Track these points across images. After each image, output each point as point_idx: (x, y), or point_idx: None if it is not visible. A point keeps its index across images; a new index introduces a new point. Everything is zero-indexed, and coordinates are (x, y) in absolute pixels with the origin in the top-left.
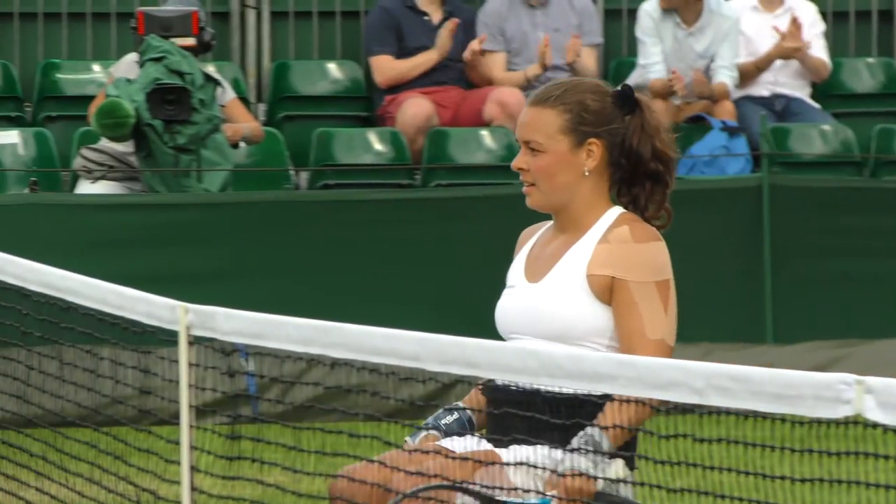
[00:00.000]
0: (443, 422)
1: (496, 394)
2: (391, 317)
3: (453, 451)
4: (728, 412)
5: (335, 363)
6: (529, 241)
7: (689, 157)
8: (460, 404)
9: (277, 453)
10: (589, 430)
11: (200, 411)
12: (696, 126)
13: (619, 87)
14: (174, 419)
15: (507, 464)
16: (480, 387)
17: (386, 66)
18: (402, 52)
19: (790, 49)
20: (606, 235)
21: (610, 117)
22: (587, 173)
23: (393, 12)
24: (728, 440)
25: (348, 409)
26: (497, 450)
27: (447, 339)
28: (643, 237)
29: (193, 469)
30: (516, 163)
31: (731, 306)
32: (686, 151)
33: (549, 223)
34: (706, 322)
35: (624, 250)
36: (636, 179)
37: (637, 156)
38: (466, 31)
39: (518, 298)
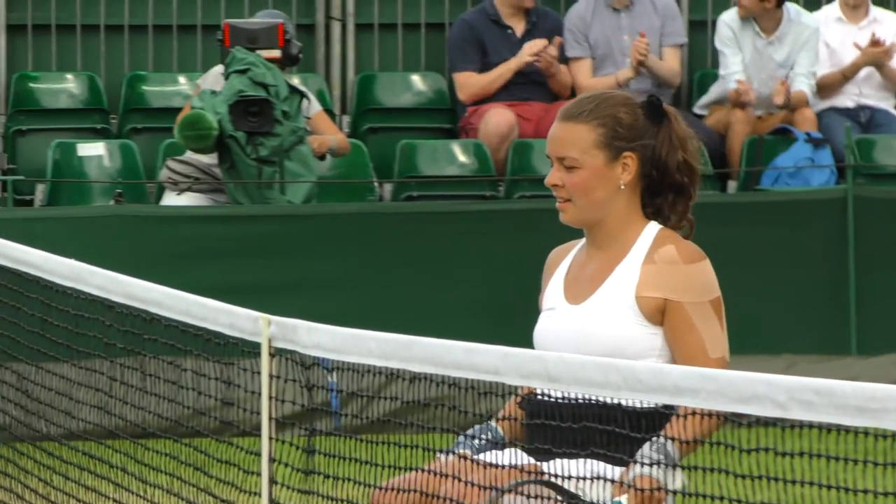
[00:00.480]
0: (475, 440)
1: (536, 406)
2: (474, 330)
3: (496, 463)
4: (811, 425)
5: (415, 377)
6: (563, 263)
7: (774, 169)
8: (492, 423)
9: (352, 468)
10: (661, 439)
11: (280, 423)
12: (781, 138)
13: (647, 98)
14: (255, 431)
15: (558, 476)
16: (519, 399)
17: (468, 83)
18: (486, 67)
19: (879, 53)
20: (651, 255)
21: (642, 130)
22: (622, 187)
23: (476, 26)
24: (810, 454)
25: (426, 423)
26: (539, 462)
27: (528, 354)
28: (691, 257)
29: (272, 481)
30: (551, 179)
31: (815, 318)
32: (770, 163)
33: (579, 243)
34: (790, 334)
35: (674, 272)
36: (660, 190)
37: (665, 167)
38: (551, 42)
39: (562, 321)
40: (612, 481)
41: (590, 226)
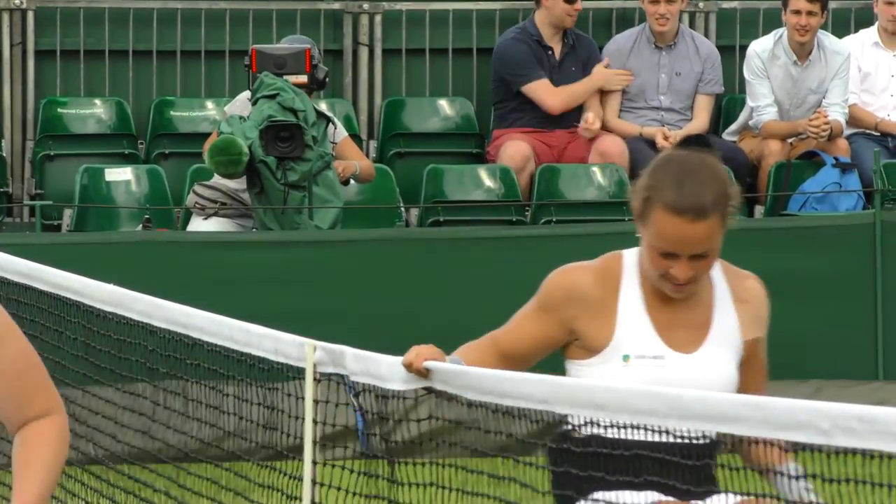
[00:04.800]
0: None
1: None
2: None
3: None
4: (854, 452)
5: (470, 404)
6: (623, 301)
7: (801, 194)
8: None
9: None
10: (800, 480)
11: (323, 446)
12: (809, 162)
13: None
14: (297, 454)
15: None
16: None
17: (550, 91)
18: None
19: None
20: (738, 293)
21: None
22: None
23: (521, 46)
24: (856, 480)
25: (477, 447)
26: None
27: (574, 382)
28: (763, 287)
29: None
30: (685, 274)
31: (842, 343)
32: (798, 188)
33: (623, 275)
34: (818, 359)
35: (762, 308)
36: None
37: None
38: (585, 66)
39: (677, 371)
40: None
41: None
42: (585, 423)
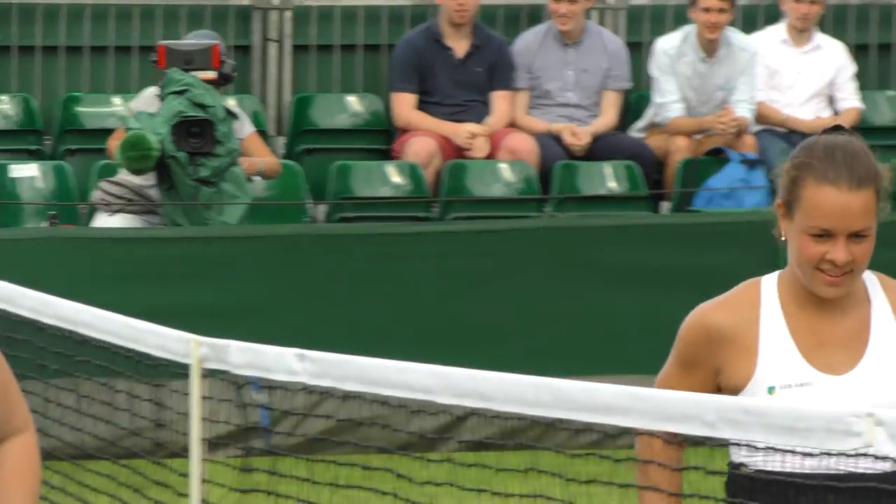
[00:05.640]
0: None
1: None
2: (410, 350)
3: None
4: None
5: (347, 396)
6: (763, 330)
7: (708, 190)
8: None
9: (291, 486)
10: None
11: (213, 444)
12: (716, 159)
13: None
14: (187, 452)
15: None
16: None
17: (405, 109)
18: (423, 89)
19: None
20: None
21: None
22: None
23: (418, 47)
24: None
25: (361, 442)
26: None
27: (460, 372)
28: None
29: (204, 503)
30: (846, 256)
31: None
32: (704, 184)
33: (760, 303)
34: None
35: None
36: None
37: None
38: (492, 67)
39: (829, 395)
40: None
41: None
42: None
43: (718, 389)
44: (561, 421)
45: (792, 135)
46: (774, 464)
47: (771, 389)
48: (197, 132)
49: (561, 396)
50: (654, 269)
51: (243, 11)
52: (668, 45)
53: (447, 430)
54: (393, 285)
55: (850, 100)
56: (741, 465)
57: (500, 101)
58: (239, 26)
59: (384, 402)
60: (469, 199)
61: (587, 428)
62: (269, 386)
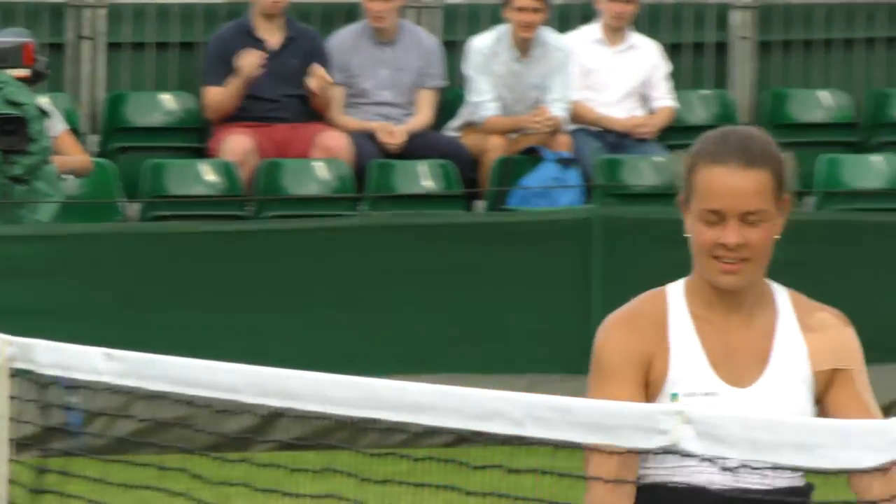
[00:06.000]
0: None
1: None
2: (221, 350)
3: None
4: (545, 443)
5: (153, 396)
6: (674, 335)
7: (522, 189)
8: None
9: (82, 486)
10: None
11: (21, 444)
12: (530, 157)
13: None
14: None
15: None
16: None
17: (214, 99)
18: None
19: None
20: (807, 322)
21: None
22: (777, 236)
23: (228, 41)
24: (542, 471)
25: (163, 442)
26: None
27: (268, 371)
28: (844, 321)
29: None
30: (734, 237)
31: (558, 338)
32: (519, 182)
33: (669, 306)
34: (533, 353)
35: (841, 340)
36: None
37: (789, 210)
38: (306, 58)
39: (733, 406)
40: None
41: (744, 290)
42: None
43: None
44: (370, 420)
45: (606, 134)
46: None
47: (674, 396)
48: (10, 130)
49: (369, 395)
50: (468, 267)
51: (57, 9)
52: (483, 45)
53: (255, 431)
54: (207, 284)
55: (664, 99)
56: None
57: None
58: (53, 23)
59: (189, 402)
60: (284, 198)
61: (395, 428)
62: (77, 386)
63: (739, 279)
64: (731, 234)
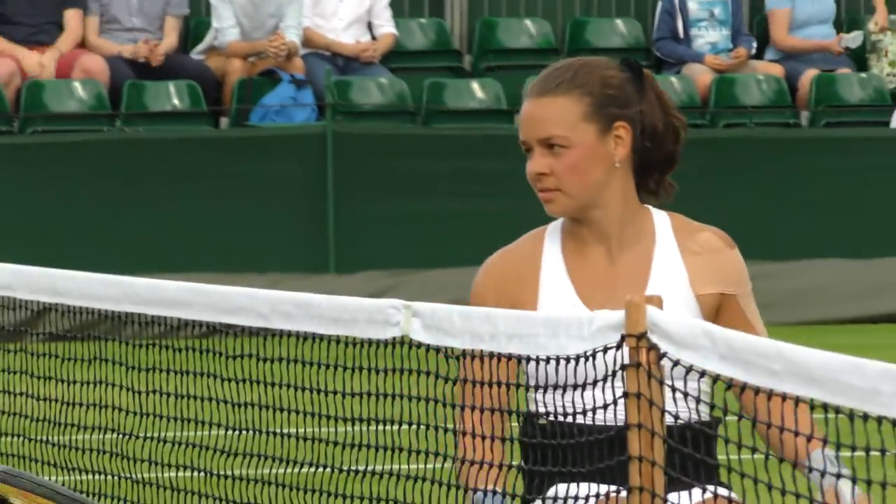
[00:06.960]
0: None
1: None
2: None
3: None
4: (290, 334)
5: None
6: (543, 270)
7: (262, 107)
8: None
9: None
10: (826, 452)
11: None
12: (268, 79)
13: (624, 60)
14: None
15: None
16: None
17: None
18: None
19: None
20: (688, 245)
21: (631, 96)
22: (618, 164)
23: None
24: (289, 359)
25: None
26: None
27: (37, 271)
28: (728, 242)
29: None
30: (535, 167)
31: (297, 241)
32: (259, 102)
33: (543, 242)
34: (275, 255)
35: (723, 262)
36: (652, 165)
37: (658, 136)
38: None
39: None
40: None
41: (585, 215)
42: (547, 413)
43: None
44: (129, 315)
45: (336, 57)
46: (568, 417)
47: None
48: None
49: (129, 292)
50: (215, 178)
51: None
52: None
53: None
54: None
55: (387, 26)
56: (535, 415)
57: (70, 19)
58: None
59: None
60: (46, 115)
61: (154, 321)
62: None
63: (556, 207)
64: (532, 164)
